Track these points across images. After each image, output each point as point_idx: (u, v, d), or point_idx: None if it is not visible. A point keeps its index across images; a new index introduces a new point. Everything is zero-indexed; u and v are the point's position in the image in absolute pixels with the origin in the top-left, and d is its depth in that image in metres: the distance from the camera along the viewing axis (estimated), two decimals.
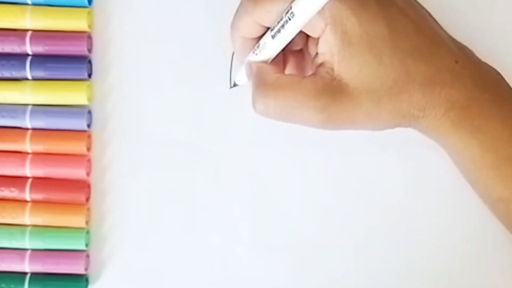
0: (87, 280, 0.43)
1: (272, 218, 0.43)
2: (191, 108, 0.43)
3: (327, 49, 0.37)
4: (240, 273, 0.43)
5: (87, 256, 0.43)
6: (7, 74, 0.42)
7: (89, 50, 0.43)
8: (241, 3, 0.38)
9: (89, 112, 0.43)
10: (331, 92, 0.37)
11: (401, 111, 0.37)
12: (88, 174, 0.43)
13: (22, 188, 0.42)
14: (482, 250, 0.42)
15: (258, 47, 0.39)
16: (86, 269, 0.42)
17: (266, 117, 0.38)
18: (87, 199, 0.43)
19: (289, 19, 0.36)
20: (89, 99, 0.43)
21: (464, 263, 0.42)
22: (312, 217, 0.43)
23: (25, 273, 0.42)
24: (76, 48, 0.42)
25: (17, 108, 0.42)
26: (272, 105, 0.37)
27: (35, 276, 0.42)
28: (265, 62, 0.39)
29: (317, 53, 0.38)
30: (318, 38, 0.37)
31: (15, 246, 0.42)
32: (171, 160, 0.43)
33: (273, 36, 0.37)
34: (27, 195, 0.42)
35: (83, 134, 0.43)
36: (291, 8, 0.36)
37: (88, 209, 0.43)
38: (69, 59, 0.42)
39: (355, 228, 0.43)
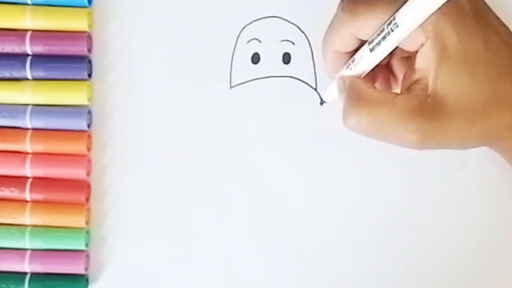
0: (87, 280, 0.43)
1: (272, 218, 0.43)
2: (191, 108, 0.43)
3: (425, 64, 0.36)
4: (240, 273, 0.43)
5: (87, 256, 0.43)
6: (7, 74, 0.42)
7: (89, 50, 0.43)
8: (336, 16, 0.38)
9: (89, 112, 0.43)
10: (426, 111, 0.36)
11: (490, 131, 0.37)
12: (88, 174, 0.43)
13: (22, 188, 0.42)
14: (483, 250, 0.42)
15: (353, 61, 0.38)
16: (86, 269, 0.42)
17: (357, 132, 0.37)
18: (87, 199, 0.43)
19: (392, 31, 0.35)
20: (89, 99, 0.43)
21: (464, 263, 0.43)
22: (312, 217, 0.43)
23: (25, 273, 0.42)
24: (76, 48, 0.42)
25: (17, 108, 0.42)
26: (364, 121, 0.36)
27: (35, 276, 0.42)
28: (357, 76, 0.38)
29: (409, 69, 0.37)
30: (412, 53, 0.36)
31: (15, 246, 0.42)
32: (171, 160, 0.43)
33: (371, 49, 0.36)
34: (27, 195, 0.42)
35: (83, 134, 0.43)
36: (394, 19, 0.35)
37: (88, 209, 0.43)
38: (69, 59, 0.42)
39: (355, 228, 0.43)
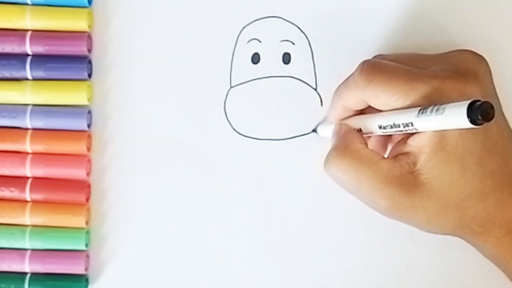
0: (87, 280, 0.43)
1: (272, 218, 0.43)
2: (191, 108, 0.43)
3: (419, 145, 0.36)
4: (240, 273, 0.43)
5: (87, 256, 0.43)
6: (7, 74, 0.42)
7: (89, 50, 0.43)
8: (352, 76, 0.38)
9: (89, 112, 0.43)
10: (404, 184, 0.36)
11: (462, 223, 0.37)
12: (88, 174, 0.43)
13: (22, 188, 0.42)
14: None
15: (360, 118, 0.39)
16: (86, 269, 0.42)
17: (332, 178, 0.38)
18: (87, 199, 0.43)
19: (405, 127, 0.35)
20: (89, 99, 0.43)
21: (465, 263, 0.42)
22: (312, 217, 0.43)
23: (25, 273, 0.42)
24: (76, 48, 0.42)
25: (17, 108, 0.42)
26: (344, 172, 0.37)
27: (35, 276, 0.42)
28: (356, 129, 0.39)
29: (406, 142, 0.37)
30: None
31: (15, 246, 0.42)
32: (171, 160, 0.43)
33: (380, 129, 0.37)
34: (27, 195, 0.42)
35: (83, 134, 0.43)
36: (412, 124, 0.35)
37: (88, 209, 0.43)
38: (69, 59, 0.42)
39: (355, 228, 0.43)
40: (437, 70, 0.37)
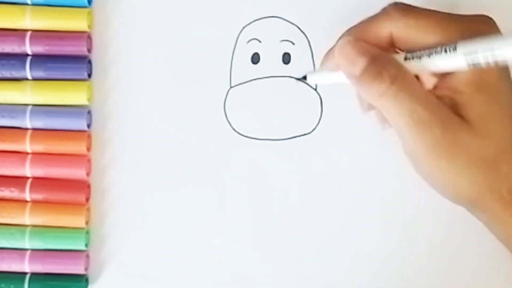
0: (87, 280, 0.43)
1: (272, 218, 0.43)
2: (191, 108, 0.43)
3: (457, 85, 0.35)
4: (240, 273, 0.43)
5: (87, 256, 0.43)
6: (7, 74, 0.42)
7: (89, 50, 0.43)
8: (384, 9, 0.36)
9: (89, 112, 0.43)
10: (452, 118, 0.35)
11: (492, 183, 0.35)
12: (88, 174, 0.43)
13: (22, 188, 0.42)
14: (483, 249, 0.42)
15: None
16: (86, 269, 0.42)
17: (379, 99, 0.35)
18: (87, 199, 0.43)
19: (446, 51, 0.34)
20: (89, 99, 0.43)
21: (464, 263, 0.42)
22: (312, 217, 0.43)
23: (25, 273, 0.42)
24: (76, 48, 0.42)
25: (17, 108, 0.42)
26: (397, 90, 0.34)
27: (35, 276, 0.42)
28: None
29: (441, 85, 0.36)
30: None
31: (15, 246, 0.42)
32: (171, 160, 0.43)
33: (407, 58, 0.35)
34: (27, 195, 0.42)
35: (83, 134, 0.43)
36: (456, 48, 0.34)
37: (88, 209, 0.43)
38: (69, 59, 0.42)
39: (355, 228, 0.43)
40: (465, 17, 0.36)
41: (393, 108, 0.35)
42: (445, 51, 0.34)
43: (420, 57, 0.35)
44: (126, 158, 0.43)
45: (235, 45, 0.43)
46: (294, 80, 0.42)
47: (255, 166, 0.43)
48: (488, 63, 0.33)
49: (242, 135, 0.43)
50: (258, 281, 0.43)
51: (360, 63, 0.35)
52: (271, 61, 0.43)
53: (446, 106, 0.35)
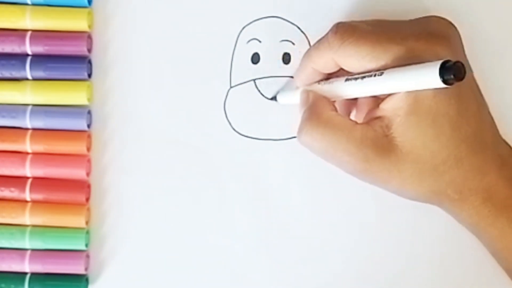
0: (87, 280, 0.43)
1: (272, 218, 0.43)
2: (191, 108, 0.43)
3: (392, 108, 0.36)
4: (240, 273, 0.43)
5: (87, 256, 0.43)
6: (7, 74, 0.42)
7: (89, 50, 0.43)
8: (325, 36, 0.38)
9: (89, 112, 0.43)
10: (378, 147, 0.36)
11: (438, 188, 0.37)
12: (88, 174, 0.43)
13: (22, 188, 0.42)
14: (482, 249, 0.42)
15: (328, 83, 0.39)
16: (86, 269, 0.42)
17: (308, 148, 0.38)
18: (87, 199, 0.43)
19: (375, 76, 0.35)
20: (89, 99, 0.43)
21: (465, 263, 0.43)
22: (313, 217, 0.43)
23: (25, 273, 0.42)
24: (76, 48, 0.42)
25: (17, 108, 0.42)
26: (318, 140, 0.37)
27: (35, 276, 0.42)
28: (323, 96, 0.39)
29: (378, 107, 0.37)
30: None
31: (15, 246, 0.42)
32: (171, 160, 0.43)
33: (347, 81, 0.37)
34: (27, 195, 0.42)
35: (83, 134, 0.43)
36: (381, 74, 0.35)
37: (88, 209, 0.43)
38: (69, 59, 0.42)
39: (355, 228, 0.43)
40: (409, 33, 0.37)
41: (318, 153, 0.38)
42: (374, 75, 0.35)
43: (356, 79, 0.36)
44: (126, 158, 0.43)
45: (235, 45, 0.43)
46: (276, 99, 0.43)
47: (255, 166, 0.43)
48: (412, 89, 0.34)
49: (242, 135, 0.43)
50: (258, 281, 0.43)
51: (301, 111, 0.39)
52: (271, 61, 0.43)
53: (375, 133, 0.36)
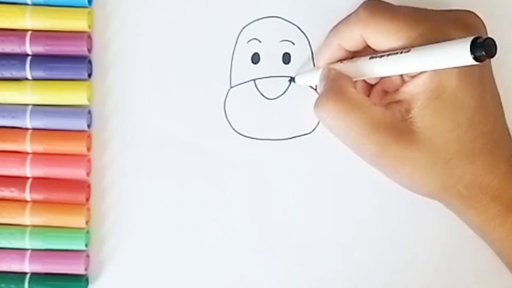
0: (87, 280, 0.43)
1: (272, 218, 0.43)
2: (191, 108, 0.43)
3: (414, 91, 0.36)
4: (240, 273, 0.43)
5: (87, 256, 0.43)
6: (7, 74, 0.42)
7: (89, 50, 0.43)
8: (355, 12, 0.38)
9: (89, 112, 0.43)
10: (395, 131, 0.36)
11: (448, 182, 0.37)
12: (88, 174, 0.43)
13: (22, 188, 0.42)
14: (482, 250, 0.42)
15: (351, 61, 0.38)
16: (86, 269, 0.42)
17: (322, 122, 0.38)
18: (87, 199, 0.43)
19: (402, 53, 0.35)
20: (89, 99, 0.43)
21: (466, 261, 0.43)
22: (312, 217, 0.43)
23: (25, 273, 0.42)
24: (76, 48, 0.42)
25: (17, 108, 0.42)
26: (334, 116, 0.37)
27: (35, 276, 0.42)
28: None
29: (399, 90, 0.37)
30: (409, 77, 0.36)
31: (15, 246, 0.42)
32: (171, 160, 0.43)
33: (373, 58, 0.36)
34: (27, 195, 0.42)
35: (83, 134, 0.43)
36: (409, 51, 0.35)
37: (88, 209, 0.43)
38: (69, 59, 0.42)
39: (355, 228, 0.43)
40: (438, 17, 0.37)
41: (332, 130, 0.38)
42: (401, 52, 0.35)
43: (381, 57, 0.36)
44: (126, 158, 0.43)
45: (235, 45, 0.43)
46: (294, 80, 0.42)
47: (255, 166, 0.43)
48: (441, 68, 0.34)
49: (242, 135, 0.43)
50: (258, 281, 0.43)
51: (321, 86, 0.39)
52: (271, 61, 0.43)
53: (393, 117, 0.36)
